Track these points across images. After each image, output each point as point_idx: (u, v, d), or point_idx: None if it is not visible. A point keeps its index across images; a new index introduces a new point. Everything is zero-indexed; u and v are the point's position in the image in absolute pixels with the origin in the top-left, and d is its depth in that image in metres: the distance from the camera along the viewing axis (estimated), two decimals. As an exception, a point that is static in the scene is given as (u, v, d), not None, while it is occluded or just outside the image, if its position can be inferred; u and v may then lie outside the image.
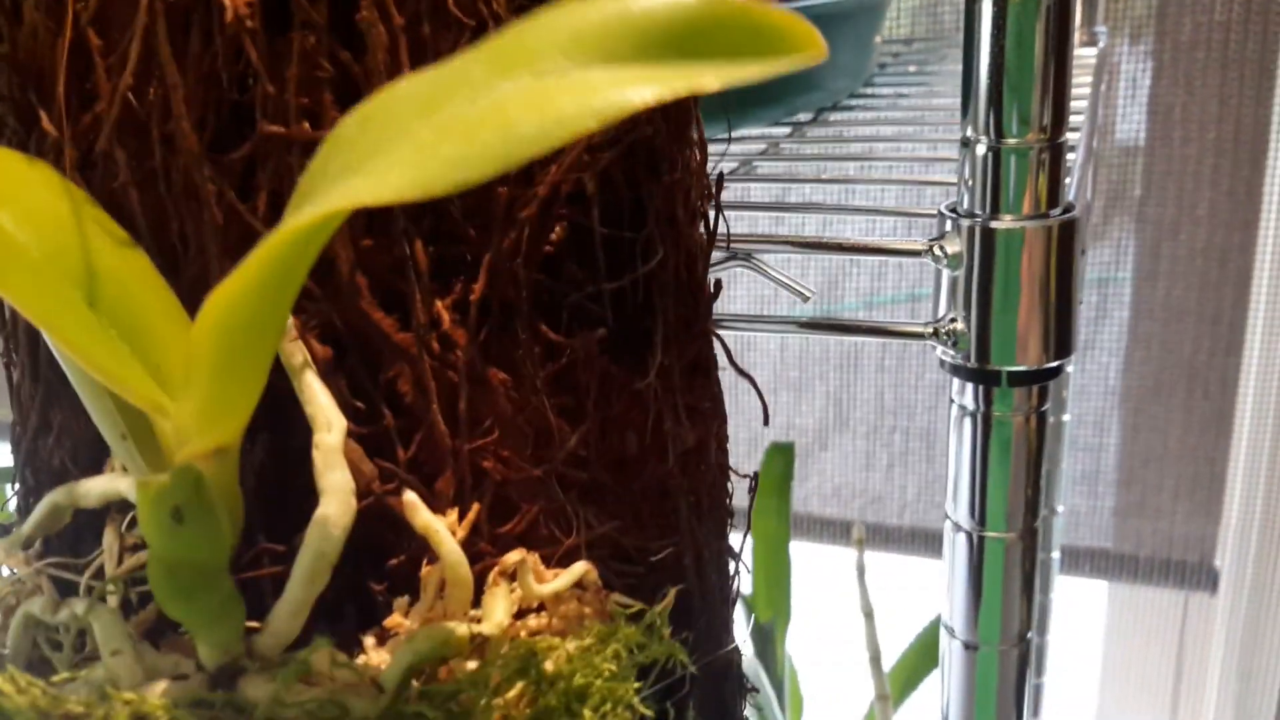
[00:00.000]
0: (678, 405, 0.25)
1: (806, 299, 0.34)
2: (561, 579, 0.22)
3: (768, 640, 0.89)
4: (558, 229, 0.23)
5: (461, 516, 0.23)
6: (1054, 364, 0.33)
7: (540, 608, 0.22)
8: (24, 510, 0.27)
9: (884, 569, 1.04)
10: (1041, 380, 0.33)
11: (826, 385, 1.12)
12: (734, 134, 0.55)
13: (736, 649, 0.28)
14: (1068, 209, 0.32)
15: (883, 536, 1.13)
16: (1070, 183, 0.39)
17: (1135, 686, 1.14)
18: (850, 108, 0.62)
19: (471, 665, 0.21)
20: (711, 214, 0.27)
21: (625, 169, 0.24)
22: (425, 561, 0.22)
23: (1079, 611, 1.14)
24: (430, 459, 0.22)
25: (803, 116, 0.59)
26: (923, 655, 0.90)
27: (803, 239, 0.34)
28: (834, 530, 1.15)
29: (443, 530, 0.22)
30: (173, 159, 0.22)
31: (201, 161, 0.22)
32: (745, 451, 1.16)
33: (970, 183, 0.32)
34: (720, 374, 0.28)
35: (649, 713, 0.21)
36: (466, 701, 0.20)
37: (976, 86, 0.32)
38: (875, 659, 0.74)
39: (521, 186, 0.23)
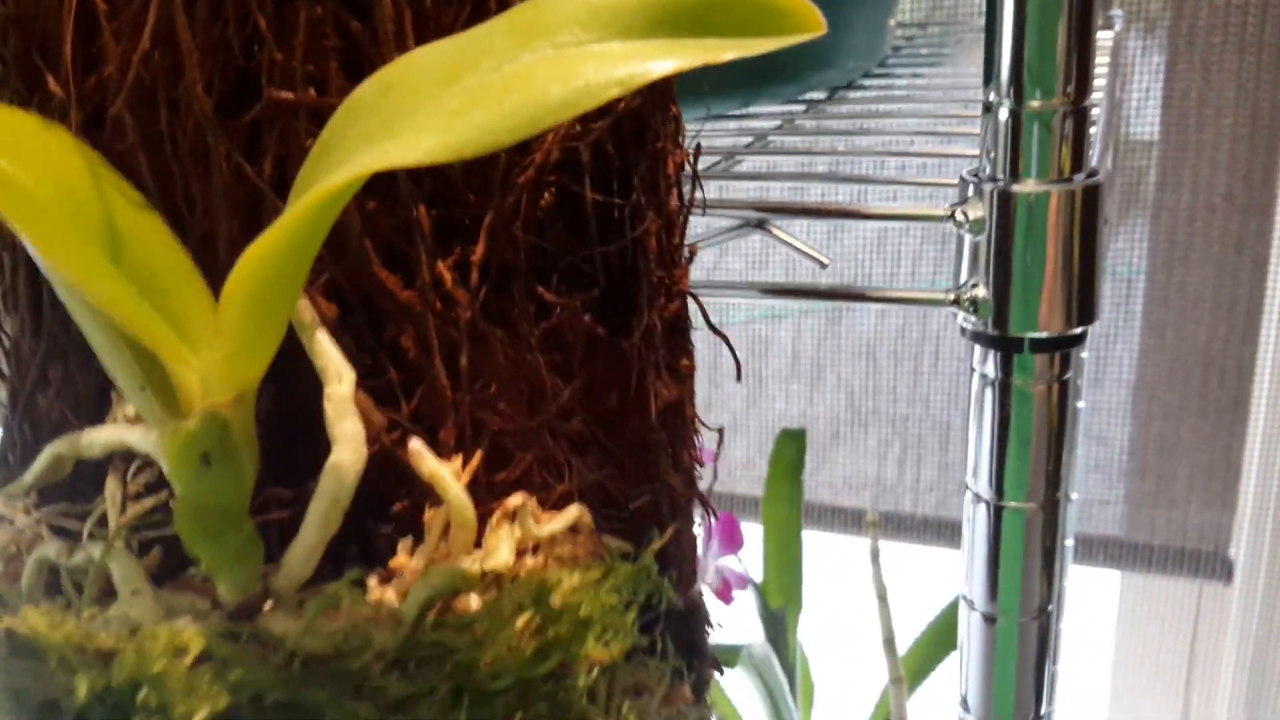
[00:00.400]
0: (659, 363, 0.27)
1: (824, 265, 0.34)
2: (558, 521, 0.23)
3: (779, 627, 0.89)
4: (551, 195, 0.25)
5: (463, 465, 0.23)
6: (1077, 331, 0.32)
7: (535, 549, 0.23)
8: (7, 465, 0.27)
9: (898, 558, 1.04)
10: (1064, 347, 0.32)
11: (840, 376, 1.12)
12: (750, 110, 0.54)
13: (700, 591, 0.30)
14: (1091, 174, 0.32)
15: (895, 525, 1.13)
16: (1092, 152, 0.38)
17: (1148, 676, 1.14)
18: (864, 87, 0.62)
19: (477, 602, 0.22)
20: (687, 186, 0.29)
21: (615, 139, 0.25)
22: (427, 506, 0.23)
23: (1092, 600, 1.14)
24: (432, 411, 0.23)
25: (818, 95, 0.59)
26: (936, 642, 0.90)
27: (821, 205, 0.34)
28: (846, 519, 1.14)
29: (448, 475, 0.22)
30: (179, 122, 0.23)
31: (213, 124, 0.22)
32: (756, 442, 1.15)
33: (992, 148, 0.32)
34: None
35: (643, 641, 0.23)
36: (480, 631, 0.21)
37: (1000, 50, 0.31)
38: (889, 641, 0.73)
39: (519, 154, 0.24)
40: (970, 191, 0.32)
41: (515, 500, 0.23)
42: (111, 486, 0.24)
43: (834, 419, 1.13)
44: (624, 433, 0.26)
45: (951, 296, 0.33)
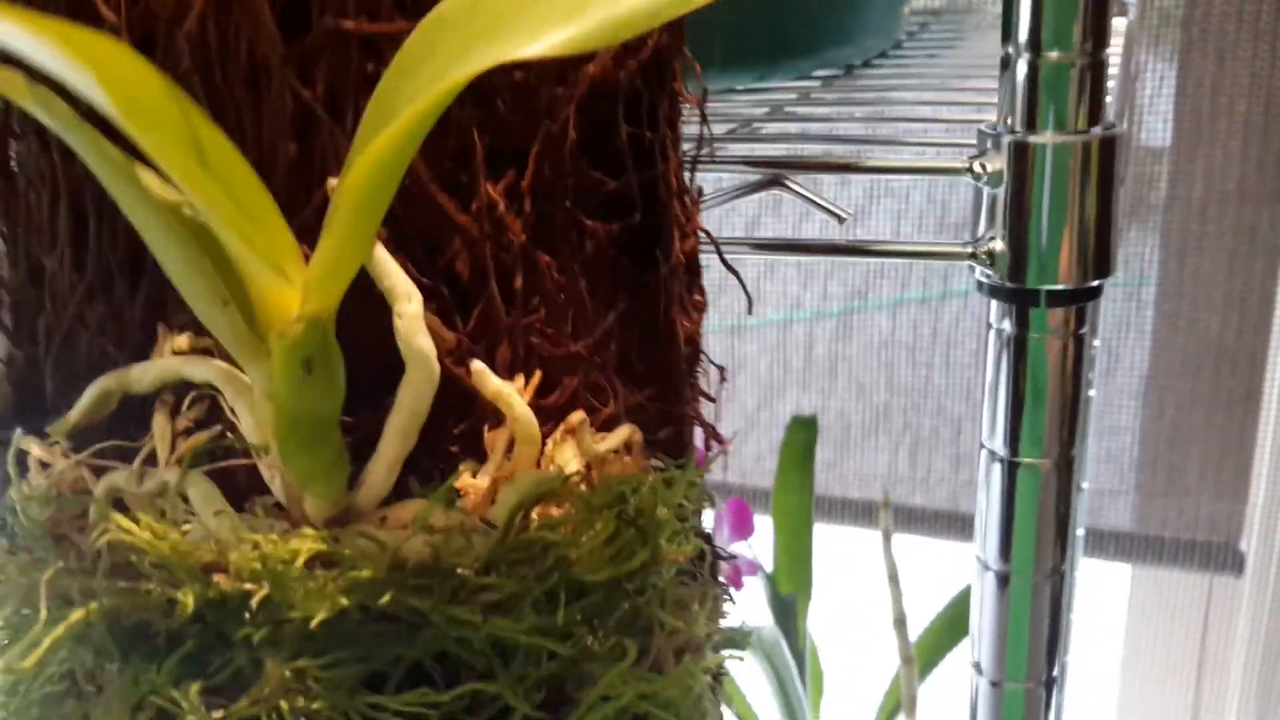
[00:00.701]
0: (683, 295, 0.27)
1: (843, 220, 0.34)
2: (614, 437, 0.24)
3: (789, 614, 0.89)
4: (591, 125, 0.25)
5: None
6: (1093, 284, 0.32)
7: (588, 468, 0.24)
8: (19, 413, 0.27)
9: (909, 551, 1.04)
10: (1080, 300, 0.33)
11: (852, 374, 1.12)
12: (767, 85, 0.55)
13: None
14: (1109, 126, 0.32)
15: (906, 518, 1.13)
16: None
17: (1159, 669, 1.14)
18: (879, 66, 0.62)
19: (555, 510, 0.22)
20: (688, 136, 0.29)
21: (644, 74, 0.26)
22: (486, 428, 0.24)
23: (1103, 592, 1.13)
24: (486, 334, 0.24)
25: (835, 72, 0.59)
26: (948, 628, 0.90)
27: (837, 160, 0.34)
28: (857, 511, 1.14)
29: (513, 393, 0.23)
30: (233, 48, 0.23)
31: (277, 48, 0.23)
32: (769, 439, 1.15)
33: (1010, 101, 0.32)
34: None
35: (704, 545, 0.24)
36: (570, 531, 0.22)
37: (1018, 5, 0.32)
38: (900, 622, 0.73)
39: (562, 84, 0.24)
40: (989, 145, 0.33)
41: (577, 417, 0.24)
42: (160, 423, 0.24)
43: (845, 415, 1.13)
44: (656, 360, 0.27)
45: (969, 250, 0.33)
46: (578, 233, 0.25)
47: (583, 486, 0.23)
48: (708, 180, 0.38)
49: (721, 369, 0.29)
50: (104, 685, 0.23)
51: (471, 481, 0.23)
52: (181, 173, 0.19)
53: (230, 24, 0.22)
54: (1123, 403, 1.04)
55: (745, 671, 0.90)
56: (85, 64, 0.17)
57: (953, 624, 0.90)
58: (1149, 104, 0.96)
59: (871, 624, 0.99)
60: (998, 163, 0.32)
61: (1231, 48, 0.90)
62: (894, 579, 0.74)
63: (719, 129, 0.46)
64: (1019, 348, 0.33)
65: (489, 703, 0.22)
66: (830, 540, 1.10)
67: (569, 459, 0.23)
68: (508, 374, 0.24)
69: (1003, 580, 0.36)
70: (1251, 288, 0.96)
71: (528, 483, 0.22)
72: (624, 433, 0.24)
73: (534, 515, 0.22)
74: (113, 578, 0.22)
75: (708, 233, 0.29)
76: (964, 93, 0.48)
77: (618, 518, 0.23)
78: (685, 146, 0.29)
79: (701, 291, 0.28)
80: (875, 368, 1.11)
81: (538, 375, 0.24)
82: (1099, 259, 0.32)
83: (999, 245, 0.32)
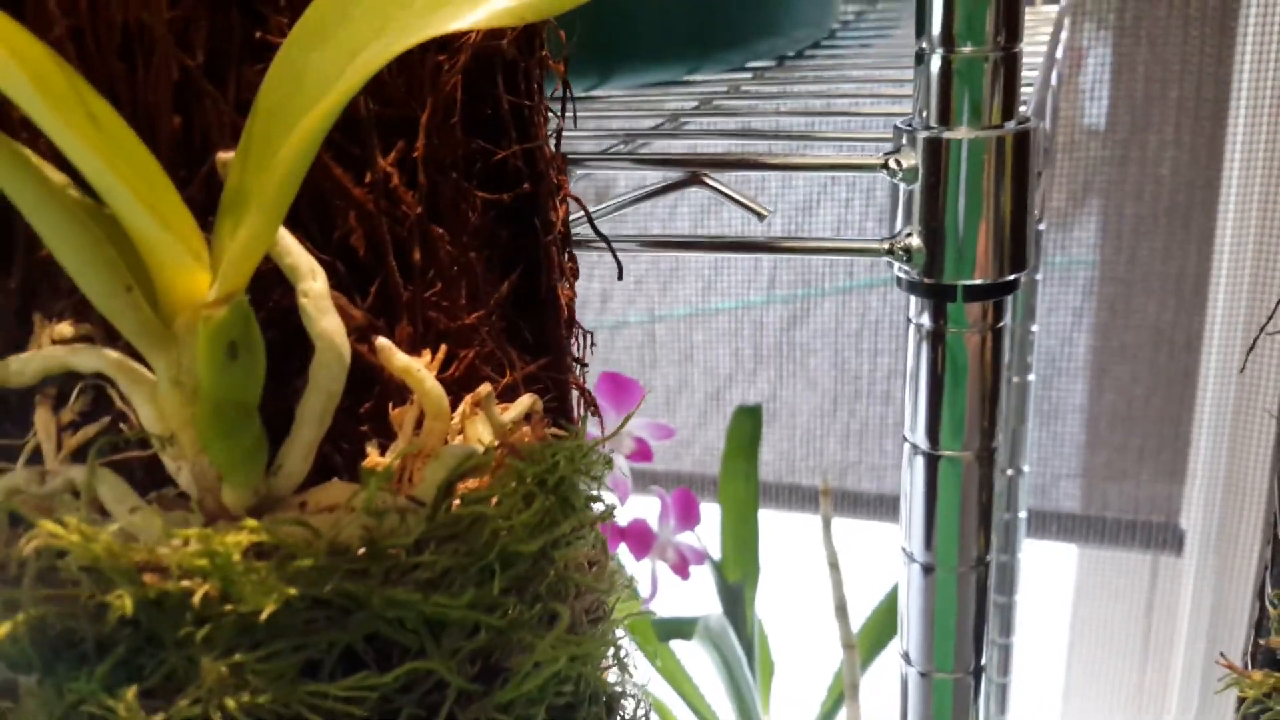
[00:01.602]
0: (563, 263, 0.28)
1: (763, 217, 0.34)
2: (517, 407, 0.24)
3: (737, 601, 0.89)
4: (474, 93, 0.25)
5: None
6: (1009, 278, 0.32)
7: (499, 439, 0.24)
8: None
9: (857, 535, 1.05)
10: (996, 295, 0.33)
11: (800, 363, 1.12)
12: (697, 78, 0.54)
13: None
14: (1023, 120, 0.32)
15: (853, 503, 1.13)
16: (1028, 109, 0.39)
17: (1104, 648, 1.15)
18: (812, 56, 0.62)
19: (474, 483, 0.22)
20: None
21: (519, 40, 0.26)
22: (391, 405, 0.23)
23: (1049, 574, 1.15)
24: (386, 310, 0.24)
25: (766, 63, 0.59)
26: (892, 612, 0.91)
27: (753, 157, 0.34)
28: (805, 497, 1.15)
29: (421, 369, 0.23)
30: (105, 15, 0.22)
31: (159, 11, 0.22)
32: (720, 427, 1.16)
33: (925, 97, 0.32)
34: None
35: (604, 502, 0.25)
36: (498, 503, 0.22)
37: (931, 0, 0.32)
38: (841, 608, 0.74)
39: (444, 53, 0.24)
40: (905, 141, 0.33)
41: (484, 389, 0.24)
42: (43, 417, 0.23)
43: (794, 402, 1.13)
44: (542, 329, 0.27)
45: (886, 246, 0.33)
46: (467, 204, 0.25)
47: (508, 459, 0.23)
48: (632, 178, 0.38)
49: (590, 334, 0.29)
50: (22, 698, 0.22)
51: (380, 460, 0.23)
52: (82, 147, 0.18)
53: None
54: (1063, 386, 1.05)
55: (694, 659, 0.90)
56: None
57: (896, 611, 0.91)
58: (1091, 89, 0.97)
59: (822, 610, 1.00)
60: (912, 159, 0.32)
61: (1163, 33, 0.91)
62: (834, 565, 0.74)
63: (646, 124, 0.46)
64: (937, 341, 0.33)
65: (423, 679, 0.22)
66: (782, 527, 1.11)
67: (482, 432, 0.23)
68: (410, 349, 0.24)
69: (928, 571, 0.36)
70: (1187, 271, 0.97)
71: (453, 458, 0.22)
72: (526, 402, 0.24)
73: (457, 490, 0.22)
74: (39, 586, 0.21)
75: (578, 199, 0.29)
76: (886, 85, 0.48)
77: (542, 486, 0.23)
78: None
79: (574, 258, 0.29)
80: (824, 354, 1.11)
81: (442, 349, 0.24)
82: (1015, 253, 0.32)
83: (915, 241, 0.32)
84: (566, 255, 0.28)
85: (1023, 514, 0.91)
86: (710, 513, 0.91)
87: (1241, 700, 0.36)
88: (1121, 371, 1.02)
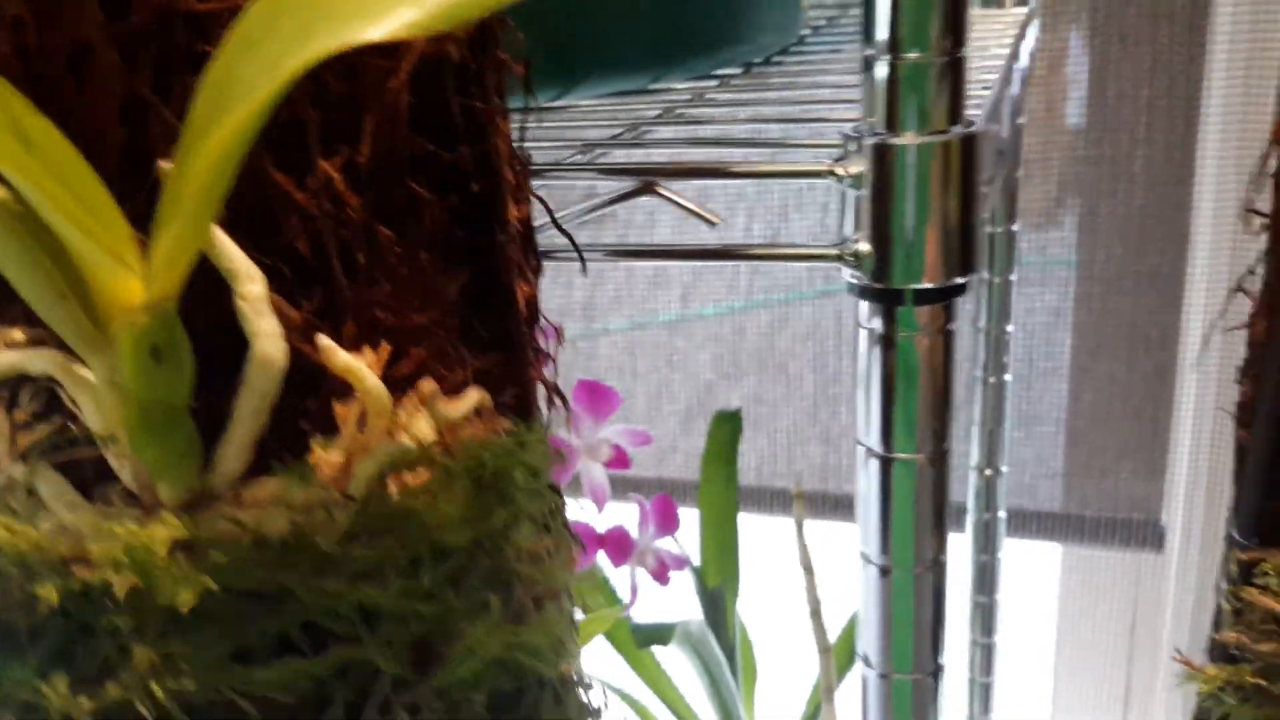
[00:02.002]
0: (521, 261, 0.28)
1: (713, 224, 0.34)
2: (464, 402, 0.25)
3: (718, 606, 0.89)
4: (424, 97, 0.25)
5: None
6: (958, 281, 0.33)
7: (442, 435, 0.25)
8: None
9: (833, 539, 1.05)
10: (945, 298, 0.33)
11: (781, 366, 1.12)
12: (661, 86, 0.55)
13: None
14: (968, 125, 0.32)
15: (834, 505, 1.14)
16: (982, 112, 0.39)
17: (1090, 648, 1.16)
18: (780, 64, 0.62)
19: (414, 476, 0.23)
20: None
21: (472, 44, 0.26)
22: (335, 402, 0.24)
23: (1035, 574, 1.15)
24: (331, 310, 0.24)
25: (733, 71, 0.59)
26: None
27: (703, 165, 0.34)
28: (786, 501, 1.15)
29: (362, 367, 0.23)
30: (54, 32, 0.22)
31: (102, 31, 0.22)
32: (701, 432, 1.16)
33: (872, 103, 0.32)
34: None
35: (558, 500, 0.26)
36: (431, 498, 0.23)
37: (876, 6, 0.32)
38: (815, 612, 0.74)
39: (388, 57, 0.24)
40: (853, 147, 0.33)
41: (428, 385, 0.24)
42: None
43: (775, 406, 1.14)
44: (498, 325, 0.27)
45: (836, 251, 0.33)
46: (417, 205, 0.25)
47: (440, 454, 0.24)
48: (591, 188, 0.38)
49: (559, 329, 0.30)
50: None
51: (325, 456, 0.23)
52: (7, 162, 0.19)
53: (49, 3, 0.22)
54: (1042, 385, 1.05)
55: (676, 664, 0.90)
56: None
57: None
58: (1069, 89, 0.97)
59: (804, 614, 1.00)
60: (859, 165, 0.32)
61: (1133, 31, 0.91)
62: (808, 569, 0.74)
63: (606, 133, 0.46)
64: (888, 345, 0.34)
65: (359, 667, 0.23)
66: (766, 531, 1.11)
67: (423, 427, 0.24)
68: (355, 348, 0.24)
69: (884, 573, 0.36)
70: (1161, 269, 0.97)
71: (384, 454, 0.23)
72: (473, 398, 0.25)
73: (392, 485, 0.23)
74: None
75: (541, 198, 0.29)
76: (852, 90, 0.49)
77: (476, 481, 0.24)
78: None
79: (537, 256, 0.29)
80: (805, 358, 1.12)
81: (385, 347, 0.24)
82: (964, 256, 0.33)
83: (864, 246, 0.33)
84: (530, 254, 0.29)
85: (1002, 514, 0.91)
86: (691, 518, 0.91)
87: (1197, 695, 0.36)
88: (1099, 370, 1.02)
